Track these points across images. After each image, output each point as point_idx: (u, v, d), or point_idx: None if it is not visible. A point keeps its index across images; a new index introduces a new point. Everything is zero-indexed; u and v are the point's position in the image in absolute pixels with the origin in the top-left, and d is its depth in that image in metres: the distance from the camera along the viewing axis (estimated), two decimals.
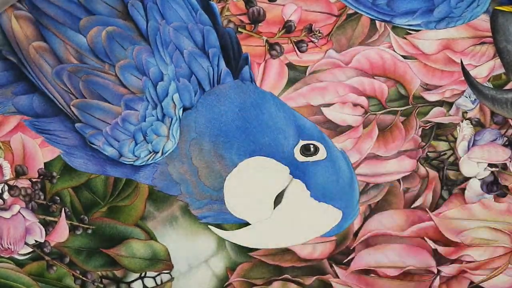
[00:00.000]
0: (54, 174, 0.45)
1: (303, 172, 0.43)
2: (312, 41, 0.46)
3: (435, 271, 0.45)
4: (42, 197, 0.46)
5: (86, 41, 0.44)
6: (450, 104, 0.47)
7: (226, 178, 0.44)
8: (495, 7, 0.45)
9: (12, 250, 0.45)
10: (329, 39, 0.46)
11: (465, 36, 0.46)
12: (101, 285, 0.45)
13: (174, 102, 0.44)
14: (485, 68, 0.46)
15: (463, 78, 0.46)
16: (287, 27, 0.46)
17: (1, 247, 0.45)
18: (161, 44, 0.44)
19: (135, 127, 0.43)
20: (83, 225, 0.46)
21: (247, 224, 0.44)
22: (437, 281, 0.45)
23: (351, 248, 0.45)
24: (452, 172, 0.47)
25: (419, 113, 0.47)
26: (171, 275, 0.45)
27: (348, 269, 0.45)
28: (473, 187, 0.46)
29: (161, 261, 0.45)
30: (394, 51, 0.46)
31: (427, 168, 0.46)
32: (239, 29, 0.46)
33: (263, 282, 0.45)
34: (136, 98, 0.43)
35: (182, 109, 0.44)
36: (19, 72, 0.45)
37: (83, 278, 0.45)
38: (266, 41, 0.46)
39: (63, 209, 0.45)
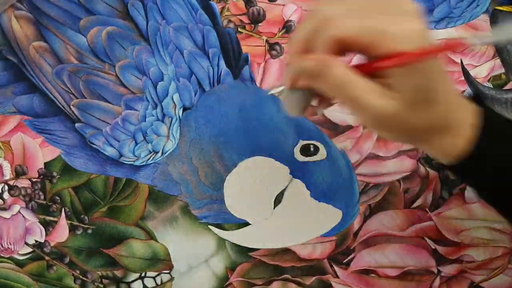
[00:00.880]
0: (54, 174, 0.45)
1: (303, 172, 0.43)
2: None
3: (435, 271, 0.45)
4: (42, 197, 0.46)
5: (86, 41, 0.44)
6: None
7: (226, 178, 0.44)
8: (495, 7, 0.46)
9: (12, 250, 0.45)
10: None
11: (464, 36, 0.46)
12: (101, 285, 0.45)
13: (174, 102, 0.44)
14: (485, 68, 0.46)
15: (463, 78, 0.46)
16: (287, 27, 0.46)
17: (1, 247, 0.45)
18: (161, 44, 0.44)
19: (135, 127, 0.44)
20: (83, 225, 0.46)
21: (247, 224, 0.44)
22: (437, 281, 0.45)
23: (351, 248, 0.45)
24: None
25: None
26: (171, 275, 0.45)
27: (348, 269, 0.45)
28: None
29: (161, 261, 0.45)
30: None
31: (427, 168, 0.46)
32: (239, 29, 0.46)
33: (263, 282, 0.45)
34: (136, 98, 0.44)
35: (182, 109, 0.44)
36: (19, 72, 0.45)
37: (83, 278, 0.45)
38: (266, 41, 0.46)
39: (63, 209, 0.45)
